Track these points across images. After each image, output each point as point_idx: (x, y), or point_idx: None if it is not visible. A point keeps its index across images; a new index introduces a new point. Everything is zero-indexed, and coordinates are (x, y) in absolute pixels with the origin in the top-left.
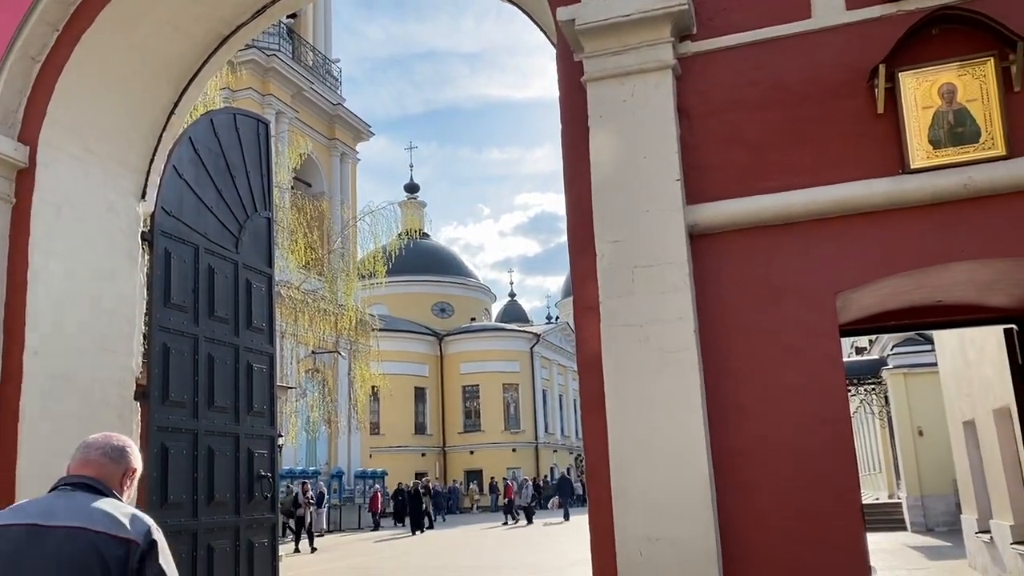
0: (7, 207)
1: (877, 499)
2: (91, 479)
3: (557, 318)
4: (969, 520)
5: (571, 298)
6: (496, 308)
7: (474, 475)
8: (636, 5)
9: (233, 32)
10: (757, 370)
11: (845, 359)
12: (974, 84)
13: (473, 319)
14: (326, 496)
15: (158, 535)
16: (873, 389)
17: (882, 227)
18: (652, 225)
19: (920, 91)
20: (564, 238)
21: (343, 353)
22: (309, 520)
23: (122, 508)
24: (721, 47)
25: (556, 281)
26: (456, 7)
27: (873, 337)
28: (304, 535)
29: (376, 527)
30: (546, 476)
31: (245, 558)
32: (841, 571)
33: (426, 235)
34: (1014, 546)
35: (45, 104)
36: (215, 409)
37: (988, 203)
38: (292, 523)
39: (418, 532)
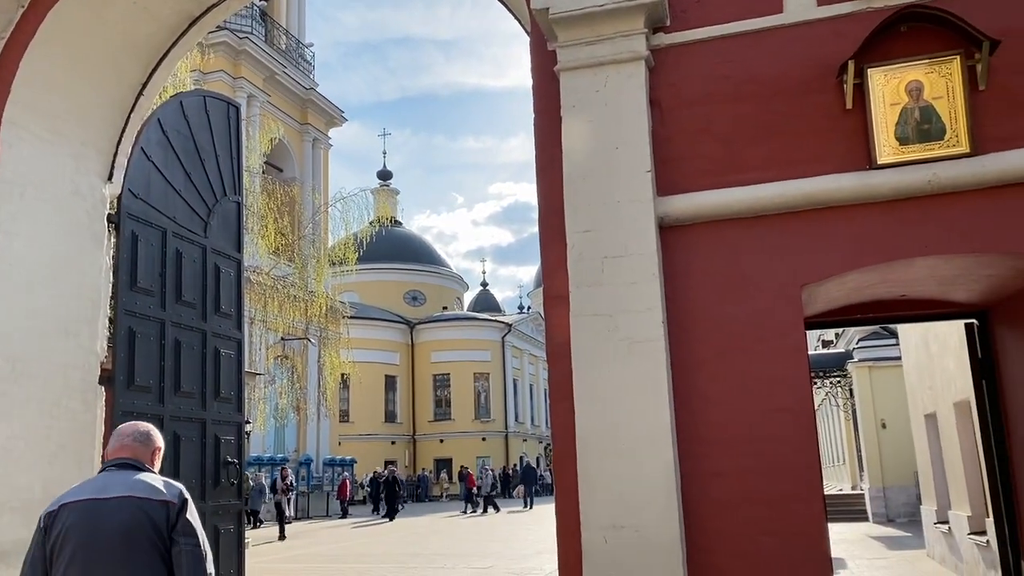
0: None
1: (841, 490)
2: (128, 459)
3: (529, 308)
4: (928, 511)
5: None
6: (468, 297)
7: (444, 464)
8: None
9: (204, 13)
10: (723, 360)
11: (812, 352)
12: (940, 82)
13: (445, 308)
14: (294, 483)
15: (187, 495)
16: (839, 382)
17: (848, 221)
18: (623, 216)
19: (888, 88)
20: (537, 228)
21: (313, 340)
22: (287, 507)
23: (156, 478)
24: (694, 40)
25: (529, 271)
26: None
27: (840, 330)
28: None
29: (344, 515)
30: (515, 465)
31: (211, 545)
32: (802, 558)
33: (399, 223)
34: (971, 536)
35: (9, 82)
36: (181, 394)
37: (952, 199)
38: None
39: (393, 518)
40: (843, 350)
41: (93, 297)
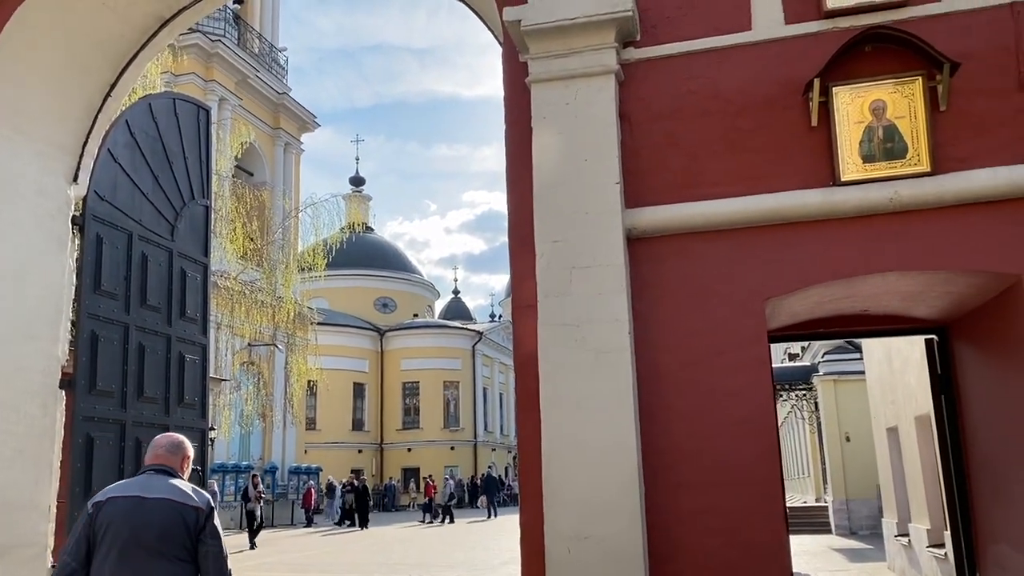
0: None
1: (805, 502)
2: (164, 466)
3: (500, 316)
4: (889, 523)
5: None
6: (440, 305)
7: (412, 473)
8: (582, 9)
9: (175, 15)
10: (688, 372)
11: (778, 365)
12: (903, 102)
13: (416, 315)
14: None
15: (213, 504)
16: (804, 395)
17: (812, 237)
18: (591, 227)
19: (852, 106)
20: None
21: (280, 346)
22: (260, 515)
23: (187, 485)
24: (664, 55)
25: (501, 280)
26: (408, 1)
27: (805, 344)
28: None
29: (309, 523)
30: (483, 474)
31: None
32: (762, 570)
33: (370, 229)
34: (930, 549)
35: None
36: (144, 400)
37: (913, 217)
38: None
39: (364, 528)
40: (809, 363)
41: (55, 299)
